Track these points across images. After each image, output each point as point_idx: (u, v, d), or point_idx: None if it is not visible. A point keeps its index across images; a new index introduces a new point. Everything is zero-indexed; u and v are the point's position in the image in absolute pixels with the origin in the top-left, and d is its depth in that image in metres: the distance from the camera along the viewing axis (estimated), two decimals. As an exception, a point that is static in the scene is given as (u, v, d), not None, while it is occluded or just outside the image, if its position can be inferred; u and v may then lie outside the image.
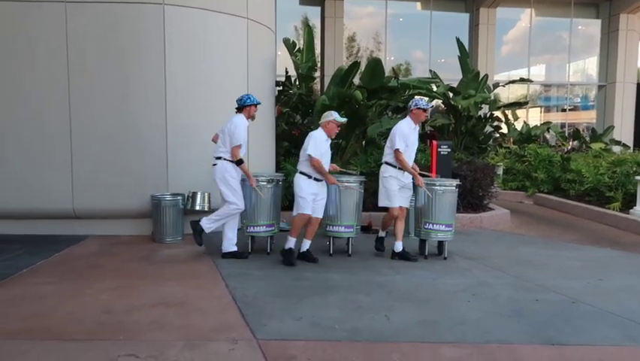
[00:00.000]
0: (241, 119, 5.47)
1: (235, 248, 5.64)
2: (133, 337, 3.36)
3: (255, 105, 5.57)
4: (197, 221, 5.57)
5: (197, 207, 6.49)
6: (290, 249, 5.42)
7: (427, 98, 12.23)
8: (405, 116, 5.85)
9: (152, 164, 6.61)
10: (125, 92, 6.51)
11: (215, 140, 5.70)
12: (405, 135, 5.54)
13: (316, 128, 5.85)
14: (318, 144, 5.34)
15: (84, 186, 6.51)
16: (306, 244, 5.52)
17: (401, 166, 5.54)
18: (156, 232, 6.47)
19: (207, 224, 5.54)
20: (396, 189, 5.61)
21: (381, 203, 5.72)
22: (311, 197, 5.35)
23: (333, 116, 5.46)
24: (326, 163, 5.44)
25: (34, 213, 6.55)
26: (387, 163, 5.67)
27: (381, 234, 6.00)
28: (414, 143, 5.69)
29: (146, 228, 6.67)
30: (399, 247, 5.68)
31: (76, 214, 6.59)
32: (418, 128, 5.78)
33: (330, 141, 5.53)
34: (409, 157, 5.63)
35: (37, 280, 4.68)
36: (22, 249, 5.84)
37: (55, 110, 6.44)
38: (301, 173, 5.41)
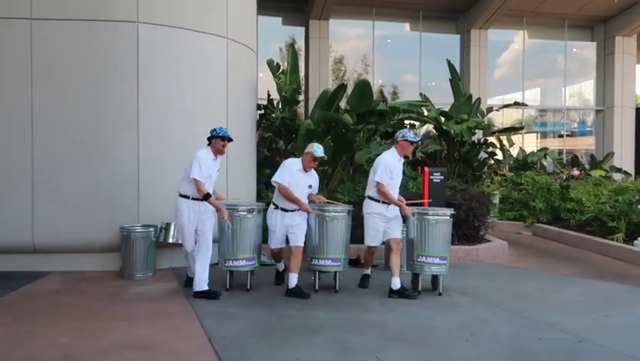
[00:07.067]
0: (202, 151, 5.43)
1: (207, 287, 5.43)
2: (97, 385, 3.24)
3: (222, 138, 5.44)
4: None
5: (171, 240, 6.39)
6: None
7: (417, 125, 12.44)
8: (391, 146, 5.96)
9: (123, 193, 6.51)
10: (94, 115, 6.46)
11: None
12: (389, 167, 5.58)
13: (300, 154, 5.92)
14: (284, 171, 5.60)
15: (46, 216, 6.37)
16: (293, 279, 5.48)
17: (385, 200, 5.59)
18: (125, 268, 6.33)
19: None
20: (377, 227, 5.69)
21: (365, 241, 5.83)
22: (281, 230, 5.66)
23: (312, 148, 5.61)
24: (302, 196, 5.62)
25: (-12, 247, 6.39)
26: (370, 198, 5.73)
27: (367, 271, 6.06)
28: (398, 175, 5.77)
29: (115, 263, 6.53)
30: (396, 283, 5.53)
31: (36, 248, 6.42)
32: (402, 159, 5.85)
33: (306, 176, 5.69)
34: (394, 189, 5.68)
35: (-9, 321, 4.53)
36: (-25, 287, 5.66)
37: (16, 132, 6.34)
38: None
